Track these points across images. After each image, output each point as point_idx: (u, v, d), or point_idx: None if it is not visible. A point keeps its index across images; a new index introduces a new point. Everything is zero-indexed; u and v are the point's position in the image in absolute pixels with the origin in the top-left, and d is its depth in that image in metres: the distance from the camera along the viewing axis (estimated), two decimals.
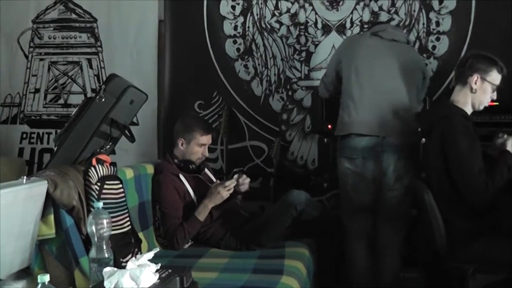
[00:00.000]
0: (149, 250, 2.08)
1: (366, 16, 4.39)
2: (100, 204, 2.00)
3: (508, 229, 2.69)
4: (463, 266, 2.70)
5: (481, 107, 2.89)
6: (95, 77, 4.61)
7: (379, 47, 3.35)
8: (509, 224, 2.71)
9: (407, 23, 4.32)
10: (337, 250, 3.35)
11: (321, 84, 3.67)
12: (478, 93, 2.83)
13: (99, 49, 4.60)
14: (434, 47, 4.26)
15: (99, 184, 2.50)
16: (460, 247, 2.72)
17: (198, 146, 3.31)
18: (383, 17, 4.34)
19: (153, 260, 1.78)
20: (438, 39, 4.27)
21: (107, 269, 1.70)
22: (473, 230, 2.69)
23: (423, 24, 4.32)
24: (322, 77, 3.67)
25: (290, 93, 4.43)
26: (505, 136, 2.84)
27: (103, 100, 2.88)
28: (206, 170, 3.47)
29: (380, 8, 4.37)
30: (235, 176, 3.25)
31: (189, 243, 3.21)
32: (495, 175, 2.64)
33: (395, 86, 3.26)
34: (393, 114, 3.19)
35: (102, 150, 2.80)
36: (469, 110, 2.86)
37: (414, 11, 4.33)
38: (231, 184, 3.14)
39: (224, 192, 3.12)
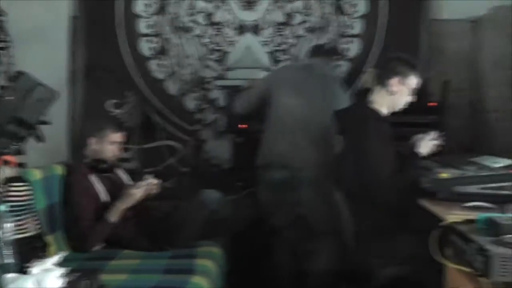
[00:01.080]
0: (58, 253, 2.04)
1: (280, 17, 4.46)
2: (3, 207, 1.94)
3: (411, 226, 2.78)
4: (371, 262, 2.79)
5: (397, 109, 2.93)
6: (4, 74, 4.44)
7: (305, 81, 3.44)
8: (412, 220, 2.80)
9: (320, 25, 4.42)
10: (251, 249, 3.39)
11: (240, 99, 3.71)
12: (397, 96, 2.87)
13: (9, 44, 4.43)
14: (346, 49, 4.38)
15: (2, 186, 2.41)
16: (367, 243, 2.80)
17: (109, 144, 3.27)
18: (297, 19, 4.42)
19: (63, 263, 1.75)
20: (350, 41, 4.39)
21: (9, 276, 1.65)
22: (380, 227, 2.77)
23: (336, 26, 4.42)
24: (243, 92, 3.72)
25: (205, 92, 4.43)
26: (418, 136, 2.90)
27: (9, 98, 2.78)
28: (119, 170, 3.43)
29: (295, 10, 4.45)
30: (146, 177, 3.23)
31: (101, 245, 3.15)
32: (402, 175, 2.74)
33: (317, 120, 3.35)
34: (312, 147, 3.26)
35: (6, 151, 2.70)
36: (385, 111, 2.91)
37: (328, 13, 4.43)
38: (142, 185, 3.12)
39: (136, 193, 3.09)
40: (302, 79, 3.50)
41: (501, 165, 2.64)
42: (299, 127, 3.36)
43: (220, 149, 4.32)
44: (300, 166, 3.28)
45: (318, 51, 3.78)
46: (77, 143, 4.03)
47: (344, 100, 3.45)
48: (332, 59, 3.88)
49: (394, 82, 2.86)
